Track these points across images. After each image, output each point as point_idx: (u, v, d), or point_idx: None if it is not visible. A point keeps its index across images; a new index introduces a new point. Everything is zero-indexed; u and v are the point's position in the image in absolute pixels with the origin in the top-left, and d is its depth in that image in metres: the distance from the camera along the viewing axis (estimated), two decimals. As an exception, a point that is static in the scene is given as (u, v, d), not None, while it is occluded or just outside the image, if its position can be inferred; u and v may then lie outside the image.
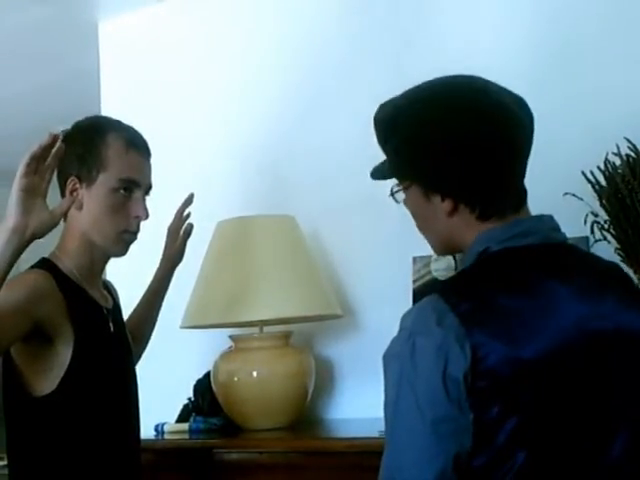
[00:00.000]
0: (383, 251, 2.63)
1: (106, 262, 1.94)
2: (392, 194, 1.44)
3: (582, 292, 1.31)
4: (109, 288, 2.03)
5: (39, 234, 1.53)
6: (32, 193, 1.51)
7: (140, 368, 2.13)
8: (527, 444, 1.22)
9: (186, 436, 2.49)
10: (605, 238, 2.09)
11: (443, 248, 1.46)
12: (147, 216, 1.88)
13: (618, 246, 2.06)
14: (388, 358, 1.30)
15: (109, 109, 3.24)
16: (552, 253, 1.35)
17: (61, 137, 1.53)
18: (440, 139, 1.34)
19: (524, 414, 1.22)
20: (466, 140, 1.32)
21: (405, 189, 1.41)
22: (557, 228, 1.40)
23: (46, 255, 1.87)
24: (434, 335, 1.24)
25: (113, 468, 1.84)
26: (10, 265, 1.51)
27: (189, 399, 2.64)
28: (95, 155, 1.82)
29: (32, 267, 1.81)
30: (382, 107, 1.47)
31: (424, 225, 1.43)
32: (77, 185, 1.82)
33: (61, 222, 1.67)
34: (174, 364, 2.87)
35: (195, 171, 3.01)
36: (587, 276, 1.35)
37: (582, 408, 1.26)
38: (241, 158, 2.96)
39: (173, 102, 3.13)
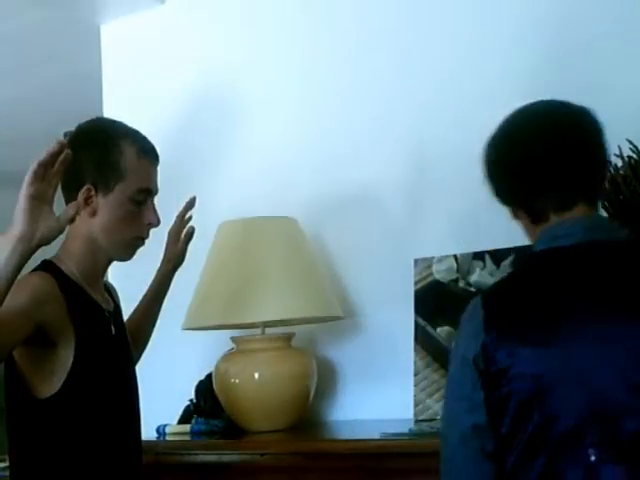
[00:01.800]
0: (384, 253, 2.63)
1: (109, 265, 1.94)
2: None
3: (599, 297, 1.44)
4: (110, 290, 2.03)
5: (46, 241, 1.53)
6: (40, 200, 1.50)
7: (142, 369, 2.13)
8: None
9: (188, 438, 2.49)
10: (606, 239, 2.09)
11: None
12: (159, 223, 1.91)
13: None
14: None
15: (111, 111, 3.24)
16: (577, 255, 1.48)
17: (67, 141, 1.53)
18: (487, 161, 1.61)
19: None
20: (498, 161, 1.59)
21: None
22: (595, 227, 1.52)
23: (46, 257, 1.87)
24: (465, 327, 1.53)
25: (115, 469, 1.84)
26: (17, 273, 1.51)
27: (191, 400, 2.64)
28: (112, 164, 1.83)
29: (34, 269, 1.81)
30: None
31: None
32: (92, 193, 1.83)
33: None
34: (176, 365, 2.87)
35: (197, 172, 3.01)
36: (604, 284, 1.45)
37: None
38: (243, 159, 2.96)
39: (175, 104, 3.13)
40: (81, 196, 1.82)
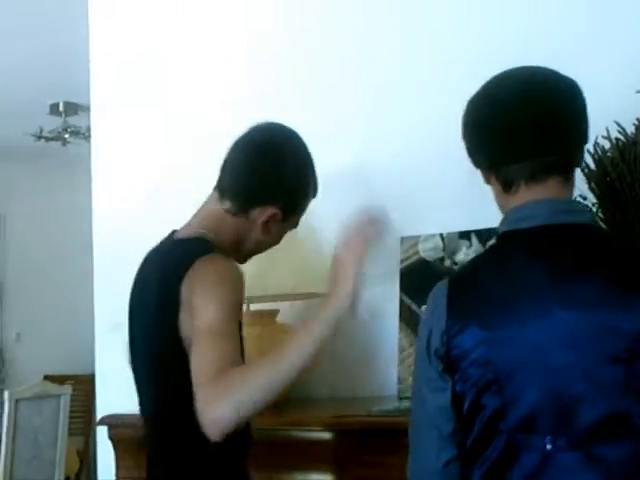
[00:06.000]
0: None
1: None
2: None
3: (554, 279, 1.41)
4: None
5: None
6: None
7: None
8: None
9: (171, 412, 2.49)
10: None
11: None
12: None
13: (606, 229, 2.07)
14: None
15: (98, 83, 3.23)
16: (537, 239, 1.47)
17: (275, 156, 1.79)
18: (465, 120, 1.58)
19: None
20: (476, 121, 1.56)
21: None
22: (564, 211, 1.49)
23: None
24: (429, 309, 1.53)
25: None
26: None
27: (175, 376, 2.63)
28: (299, 203, 1.92)
29: (203, 249, 1.78)
30: None
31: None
32: (278, 217, 1.87)
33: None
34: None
35: (184, 145, 3.00)
36: (563, 269, 1.43)
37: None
38: (231, 131, 2.94)
39: (163, 74, 3.11)
40: (267, 213, 1.85)
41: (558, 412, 1.37)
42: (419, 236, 2.44)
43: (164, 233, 2.98)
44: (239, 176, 1.87)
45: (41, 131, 6.12)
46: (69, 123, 6.00)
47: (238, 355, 1.62)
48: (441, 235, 2.41)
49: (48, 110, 5.85)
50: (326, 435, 2.14)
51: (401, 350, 2.37)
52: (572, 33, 2.40)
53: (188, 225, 1.90)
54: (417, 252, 2.44)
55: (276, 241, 1.95)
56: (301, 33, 2.86)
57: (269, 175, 1.81)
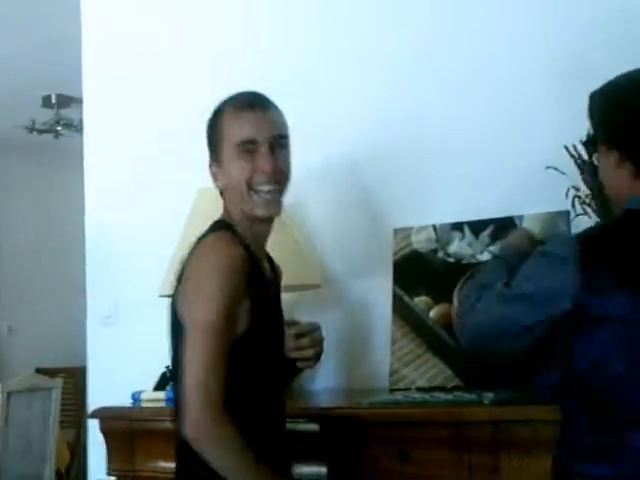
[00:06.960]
0: (364, 222, 2.63)
1: (265, 234, 1.87)
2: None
3: None
4: (273, 262, 1.95)
5: None
6: None
7: (119, 336, 2.12)
8: None
9: (163, 404, 2.48)
10: (586, 212, 2.10)
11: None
12: (272, 169, 1.81)
13: (598, 220, 2.06)
14: None
15: (90, 75, 3.22)
16: None
17: None
18: (615, 106, 1.67)
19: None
20: (617, 105, 1.67)
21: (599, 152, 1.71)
22: None
23: None
24: (557, 263, 1.62)
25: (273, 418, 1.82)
26: None
27: (167, 367, 2.63)
28: (215, 132, 1.84)
29: (216, 229, 1.78)
30: None
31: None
32: (215, 169, 1.83)
33: None
34: (153, 332, 2.85)
35: (177, 137, 2.99)
36: None
37: None
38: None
39: (153, 67, 3.10)
40: (211, 175, 1.83)
41: None
42: (412, 228, 2.44)
43: (155, 225, 3.00)
44: None
45: (34, 123, 6.10)
46: (61, 115, 5.98)
47: (222, 354, 1.66)
48: (434, 226, 2.40)
49: (40, 102, 5.83)
50: (316, 427, 2.13)
51: (393, 342, 2.36)
52: (566, 28, 2.39)
53: None
54: (410, 244, 2.43)
55: (237, 174, 1.79)
56: (297, 27, 2.86)
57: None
